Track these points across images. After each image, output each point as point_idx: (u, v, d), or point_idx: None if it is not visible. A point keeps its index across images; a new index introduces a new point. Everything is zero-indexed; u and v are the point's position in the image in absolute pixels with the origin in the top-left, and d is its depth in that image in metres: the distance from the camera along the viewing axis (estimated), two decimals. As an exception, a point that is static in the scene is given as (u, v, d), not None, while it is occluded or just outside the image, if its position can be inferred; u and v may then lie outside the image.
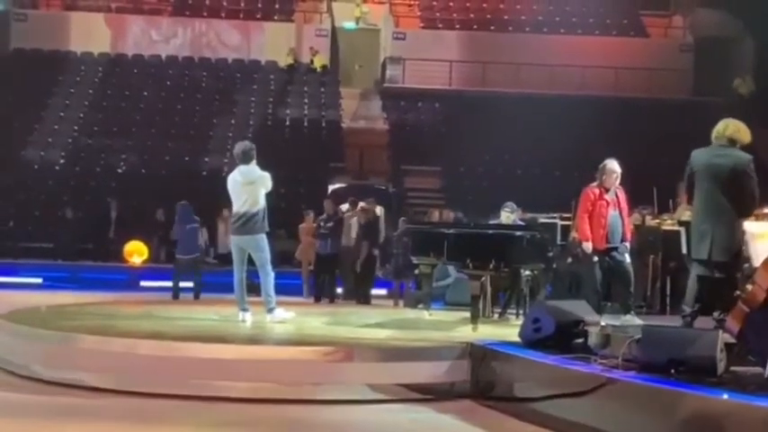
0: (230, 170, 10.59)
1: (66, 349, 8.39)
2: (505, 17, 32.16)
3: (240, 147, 10.28)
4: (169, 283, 16.70)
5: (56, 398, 7.74)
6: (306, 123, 29.12)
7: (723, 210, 8.16)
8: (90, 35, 31.13)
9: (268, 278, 10.07)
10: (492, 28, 31.61)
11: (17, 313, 10.12)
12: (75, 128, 28.20)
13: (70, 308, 11.44)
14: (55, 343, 8.54)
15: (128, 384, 7.87)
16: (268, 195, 10.18)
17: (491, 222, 12.48)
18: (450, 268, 13.12)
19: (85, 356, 8.21)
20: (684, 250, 11.79)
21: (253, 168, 10.11)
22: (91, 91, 29.86)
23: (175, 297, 15.68)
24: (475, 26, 31.92)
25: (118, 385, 7.88)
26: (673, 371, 6.72)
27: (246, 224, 9.99)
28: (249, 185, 10.04)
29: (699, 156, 8.30)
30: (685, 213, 12.91)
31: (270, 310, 10.07)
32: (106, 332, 8.79)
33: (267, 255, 10.12)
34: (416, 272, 14.79)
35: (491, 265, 10.25)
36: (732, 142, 8.24)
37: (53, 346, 8.52)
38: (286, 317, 10.18)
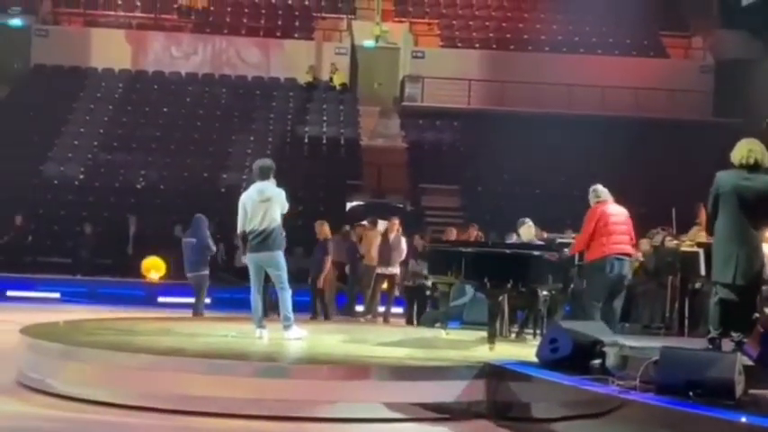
0: (248, 187, 10.63)
1: (84, 365, 8.39)
2: (525, 36, 32.23)
3: (259, 163, 10.35)
4: (187, 299, 16.65)
5: (69, 414, 7.75)
6: (324, 141, 29.20)
7: (749, 233, 8.14)
8: (111, 51, 31.36)
9: (286, 294, 10.09)
10: (511, 47, 31.71)
11: (35, 327, 10.14)
12: (95, 143, 28.37)
13: (89, 323, 11.48)
14: (73, 358, 8.55)
15: (144, 400, 7.87)
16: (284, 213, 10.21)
17: (509, 242, 12.47)
18: (468, 287, 13.10)
19: (103, 372, 8.21)
20: (703, 272, 11.80)
21: (269, 185, 10.15)
22: (111, 107, 30.05)
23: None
24: (494, 45, 32.03)
25: (135, 401, 7.88)
26: (691, 393, 6.68)
27: (264, 241, 10.01)
28: (265, 202, 10.06)
29: (726, 178, 8.26)
30: (699, 235, 12.93)
31: (286, 327, 10.08)
32: (125, 348, 8.81)
33: (285, 272, 10.15)
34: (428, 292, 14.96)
35: (509, 285, 10.24)
36: (759, 166, 8.21)
37: (71, 361, 8.53)
38: (302, 335, 10.19)
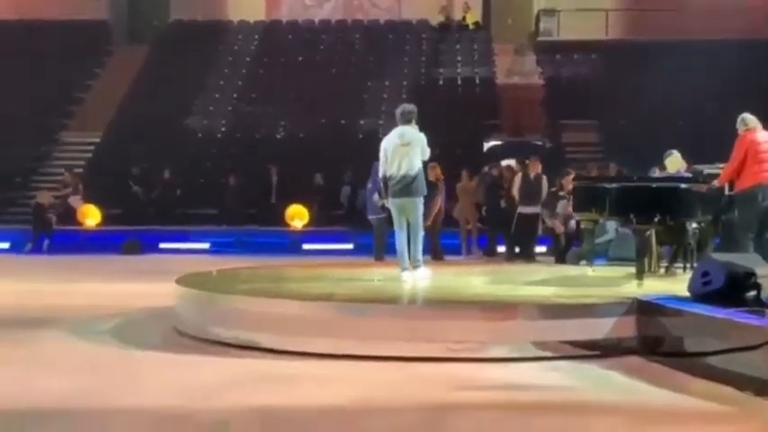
0: (386, 133, 10.70)
1: (242, 312, 8.65)
2: (662, -39, 31.23)
3: (401, 107, 10.41)
4: (330, 246, 16.91)
5: (235, 359, 8.01)
6: (459, 82, 29.05)
7: None
8: (245, 4, 31.85)
9: (419, 237, 10.24)
10: (648, -27, 30.77)
11: (190, 277, 10.49)
12: (235, 96, 28.95)
13: (240, 271, 11.83)
14: (231, 306, 8.82)
15: (301, 346, 8.08)
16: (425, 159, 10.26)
17: (654, 175, 12.24)
18: (609, 224, 12.94)
19: (262, 318, 8.45)
20: None
21: (411, 130, 10.19)
22: (248, 59, 30.56)
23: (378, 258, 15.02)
24: (630, -28, 31.14)
25: (293, 346, 8.09)
26: None
27: (405, 187, 10.10)
28: (406, 146, 10.11)
29: None
30: None
31: (416, 267, 10.23)
32: (279, 294, 9.05)
33: (421, 217, 10.26)
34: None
35: (656, 220, 10.08)
36: None
37: (226, 309, 8.81)
38: (428, 275, 10.32)
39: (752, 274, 7.94)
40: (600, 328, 8.10)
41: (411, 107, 10.43)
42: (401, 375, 7.32)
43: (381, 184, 10.55)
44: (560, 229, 15.68)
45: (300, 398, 6.64)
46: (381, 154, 10.28)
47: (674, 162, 11.81)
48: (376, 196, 14.05)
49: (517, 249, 16.66)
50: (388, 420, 6.06)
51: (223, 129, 27.66)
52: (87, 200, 23.46)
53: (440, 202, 16.51)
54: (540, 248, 17.21)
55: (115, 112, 27.82)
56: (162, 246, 21.37)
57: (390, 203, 10.38)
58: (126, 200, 24.10)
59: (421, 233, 10.30)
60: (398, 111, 10.38)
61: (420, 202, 10.24)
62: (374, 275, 10.93)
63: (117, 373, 7.58)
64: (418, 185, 10.16)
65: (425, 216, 15.90)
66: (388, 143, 10.22)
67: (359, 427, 5.98)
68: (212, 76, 29.78)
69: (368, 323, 8.10)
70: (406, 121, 10.23)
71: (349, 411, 6.28)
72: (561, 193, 15.58)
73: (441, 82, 29.21)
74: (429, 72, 29.63)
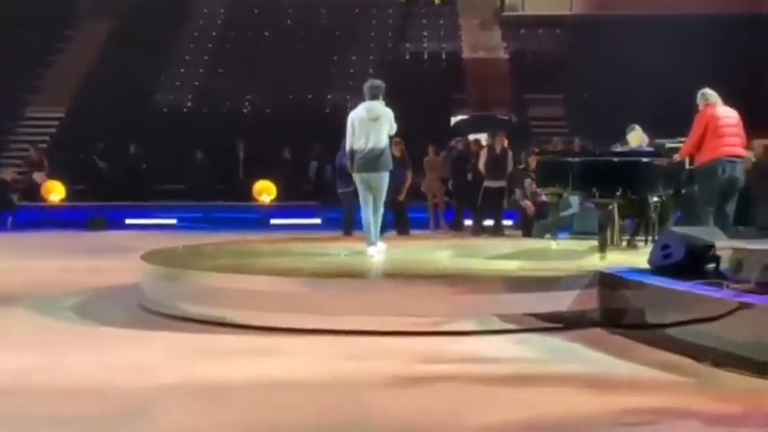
0: (353, 107, 10.73)
1: (208, 288, 8.69)
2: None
3: (369, 83, 10.44)
4: (298, 221, 16.95)
5: (193, 335, 8.06)
6: (426, 57, 29.08)
7: None
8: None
9: (380, 213, 10.38)
10: (613, -52, 30.84)
11: (156, 253, 10.50)
12: (201, 70, 28.82)
13: (207, 247, 11.84)
14: (197, 281, 8.86)
15: (267, 321, 8.14)
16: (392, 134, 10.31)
17: (616, 150, 12.36)
18: (572, 198, 13.06)
19: (228, 294, 8.49)
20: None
21: (379, 104, 10.23)
22: (214, 33, 30.43)
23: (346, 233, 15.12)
24: (595, -53, 31.19)
25: (259, 322, 8.15)
26: (808, 294, 6.64)
27: (373, 161, 10.15)
28: (374, 121, 10.15)
29: None
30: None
31: (373, 244, 10.33)
32: (245, 270, 9.09)
33: (384, 193, 10.36)
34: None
35: (618, 193, 10.21)
36: None
37: (193, 285, 8.84)
38: (383, 249, 10.41)
39: (711, 247, 8.06)
40: (563, 301, 8.23)
41: (379, 82, 10.47)
42: (367, 350, 7.39)
43: (348, 159, 10.57)
44: (532, 210, 15.85)
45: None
46: (348, 127, 10.32)
47: (636, 137, 11.92)
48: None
49: (488, 222, 16.80)
50: (345, 393, 6.13)
51: (189, 104, 27.57)
52: (52, 176, 23.31)
53: (410, 176, 16.66)
54: (507, 222, 17.32)
55: (79, 87, 27.61)
56: (128, 221, 21.29)
57: (357, 177, 10.43)
58: (91, 175, 23.97)
59: (382, 210, 10.40)
60: (366, 86, 10.42)
61: (386, 176, 10.31)
62: (340, 250, 10.98)
63: (69, 350, 7.50)
64: (385, 160, 10.23)
65: (398, 191, 16.11)
66: (356, 117, 10.26)
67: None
68: (178, 51, 29.61)
69: (334, 298, 8.17)
70: (374, 97, 10.27)
71: (293, 385, 6.28)
72: (528, 171, 15.73)
73: (407, 57, 29.23)
74: (396, 47, 29.64)
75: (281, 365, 6.87)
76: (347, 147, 10.40)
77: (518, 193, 16.17)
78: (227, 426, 5.35)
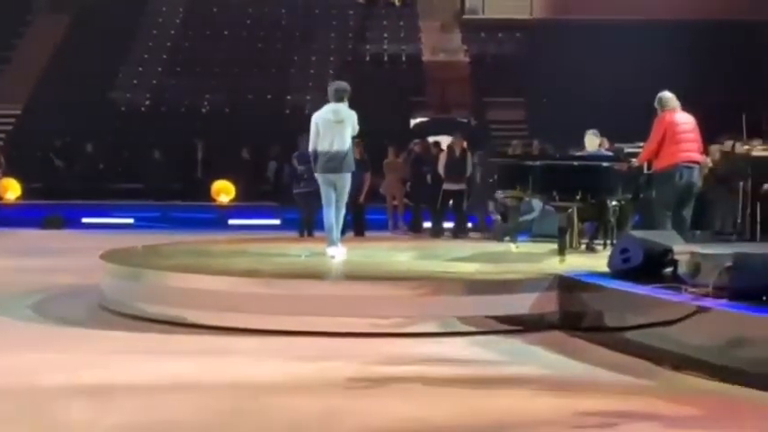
0: (313, 108, 10.69)
1: (167, 288, 8.63)
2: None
3: (334, 85, 10.42)
4: (256, 221, 16.89)
5: (155, 335, 8.00)
6: (386, 58, 29.09)
7: None
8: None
9: (341, 214, 10.37)
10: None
11: (115, 253, 10.42)
12: (159, 69, 28.60)
13: (165, 247, 11.75)
14: (155, 281, 8.80)
15: (227, 321, 8.10)
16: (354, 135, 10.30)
17: (576, 154, 12.44)
18: (535, 202, 13.11)
19: (184, 294, 8.44)
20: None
21: (343, 107, 10.21)
22: (173, 31, 30.21)
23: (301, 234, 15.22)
24: (555, -49, 31.38)
25: (218, 322, 8.11)
26: (764, 298, 6.70)
27: (336, 163, 10.13)
28: (339, 124, 10.13)
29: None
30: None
31: (334, 244, 10.28)
32: (204, 270, 9.04)
33: (347, 194, 10.35)
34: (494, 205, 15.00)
35: (577, 197, 10.28)
36: None
37: (153, 285, 8.78)
38: (344, 251, 10.35)
39: (669, 251, 8.13)
40: (523, 304, 8.27)
41: (344, 85, 10.45)
42: (327, 351, 7.37)
43: (311, 159, 10.51)
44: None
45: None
46: (312, 128, 10.28)
47: (593, 141, 12.01)
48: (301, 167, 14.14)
49: (449, 225, 16.83)
50: (297, 398, 6.11)
51: (147, 102, 27.36)
52: (7, 173, 23.04)
53: (369, 178, 16.68)
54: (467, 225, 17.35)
55: (36, 84, 27.31)
56: (85, 220, 21.09)
57: (320, 178, 10.40)
58: (48, 173, 23.72)
59: (343, 211, 10.41)
60: (332, 88, 10.39)
61: (349, 177, 10.30)
62: (302, 251, 10.95)
63: (13, 350, 7.41)
64: (349, 161, 10.24)
65: (359, 193, 16.09)
66: (320, 119, 10.22)
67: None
68: (136, 48, 29.38)
69: (293, 299, 8.14)
70: (339, 99, 10.23)
71: (245, 387, 6.25)
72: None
73: (367, 58, 29.22)
74: (356, 48, 29.62)
75: (225, 367, 6.82)
76: (310, 148, 10.36)
77: (491, 204, 16.11)
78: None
